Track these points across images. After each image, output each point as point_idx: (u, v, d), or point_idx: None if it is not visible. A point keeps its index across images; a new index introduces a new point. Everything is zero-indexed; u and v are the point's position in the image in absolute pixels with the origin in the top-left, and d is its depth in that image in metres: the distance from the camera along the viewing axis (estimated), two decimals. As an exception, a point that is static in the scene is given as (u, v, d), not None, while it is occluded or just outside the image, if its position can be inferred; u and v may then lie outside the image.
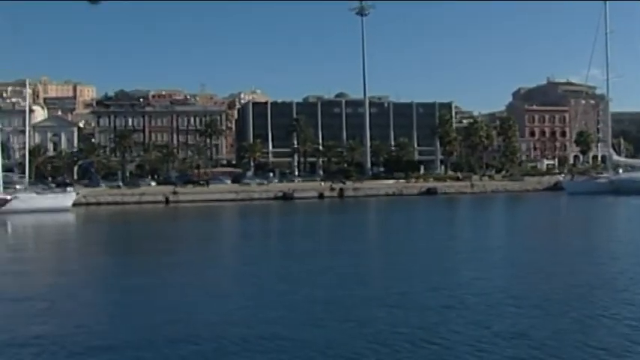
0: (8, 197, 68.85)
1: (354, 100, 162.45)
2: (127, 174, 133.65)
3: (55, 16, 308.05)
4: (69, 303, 20.48)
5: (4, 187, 77.29)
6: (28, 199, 72.15)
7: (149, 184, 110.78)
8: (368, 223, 60.99)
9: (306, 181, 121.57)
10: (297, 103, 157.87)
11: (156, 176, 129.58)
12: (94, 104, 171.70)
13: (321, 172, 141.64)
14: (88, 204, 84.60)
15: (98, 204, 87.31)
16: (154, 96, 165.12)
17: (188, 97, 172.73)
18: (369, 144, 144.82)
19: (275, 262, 29.95)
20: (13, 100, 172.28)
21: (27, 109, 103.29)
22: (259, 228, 55.68)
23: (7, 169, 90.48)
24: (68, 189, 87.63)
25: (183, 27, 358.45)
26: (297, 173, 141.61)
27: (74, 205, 77.66)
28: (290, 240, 42.48)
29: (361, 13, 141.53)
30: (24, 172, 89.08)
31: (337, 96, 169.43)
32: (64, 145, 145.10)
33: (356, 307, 18.88)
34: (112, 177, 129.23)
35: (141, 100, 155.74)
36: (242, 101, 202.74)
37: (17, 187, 78.92)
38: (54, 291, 22.83)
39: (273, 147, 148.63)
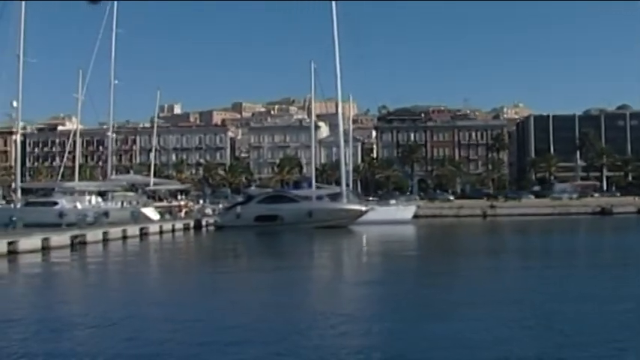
0: (364, 209, 74.25)
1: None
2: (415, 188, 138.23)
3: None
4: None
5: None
6: (381, 211, 77.58)
7: (448, 199, 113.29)
8: None
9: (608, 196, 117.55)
10: (579, 117, 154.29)
11: (436, 190, 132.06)
12: (375, 120, 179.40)
13: (604, 186, 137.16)
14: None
15: (416, 217, 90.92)
16: (433, 111, 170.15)
17: (468, 111, 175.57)
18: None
19: None
20: (298, 117, 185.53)
21: (342, 124, 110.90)
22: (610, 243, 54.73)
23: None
24: (391, 201, 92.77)
25: (444, 44, 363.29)
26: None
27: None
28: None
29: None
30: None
31: (619, 108, 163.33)
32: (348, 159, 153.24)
33: None
34: (396, 191, 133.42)
35: (422, 114, 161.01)
36: (505, 115, 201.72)
37: (371, 199, 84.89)
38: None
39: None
